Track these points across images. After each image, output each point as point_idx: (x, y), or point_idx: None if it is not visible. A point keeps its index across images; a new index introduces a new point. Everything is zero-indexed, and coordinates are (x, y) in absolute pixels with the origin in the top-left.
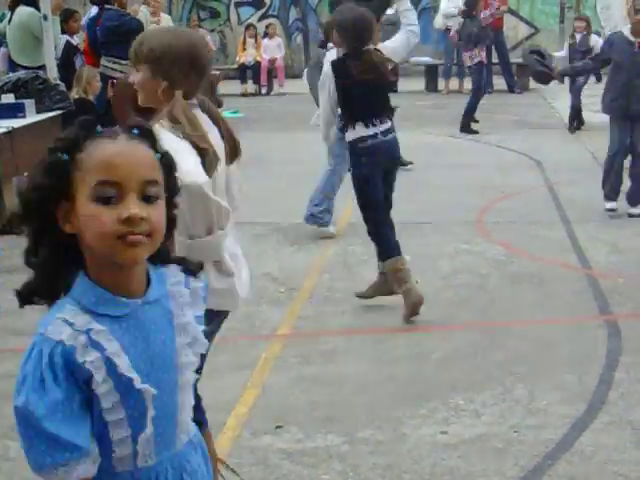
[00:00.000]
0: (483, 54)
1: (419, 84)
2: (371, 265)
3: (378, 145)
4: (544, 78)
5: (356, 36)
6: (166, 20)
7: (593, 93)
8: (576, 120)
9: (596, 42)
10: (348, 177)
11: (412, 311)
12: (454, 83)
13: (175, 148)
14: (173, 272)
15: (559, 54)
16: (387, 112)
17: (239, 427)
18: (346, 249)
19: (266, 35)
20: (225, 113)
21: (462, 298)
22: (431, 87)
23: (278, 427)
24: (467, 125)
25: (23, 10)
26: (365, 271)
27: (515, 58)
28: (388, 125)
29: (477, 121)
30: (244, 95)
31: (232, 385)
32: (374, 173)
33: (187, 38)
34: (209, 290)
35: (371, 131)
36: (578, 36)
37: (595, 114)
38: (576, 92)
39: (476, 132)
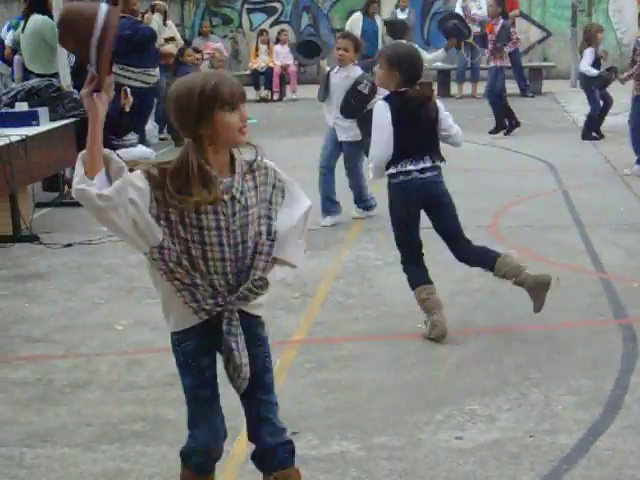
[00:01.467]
0: (501, 58)
1: None
2: (385, 270)
3: (411, 182)
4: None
5: (412, 71)
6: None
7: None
8: (594, 131)
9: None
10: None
11: (434, 339)
12: (467, 87)
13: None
14: None
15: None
16: (430, 149)
17: None
18: (360, 254)
19: (278, 41)
20: None
21: (477, 303)
22: (444, 91)
23: (294, 433)
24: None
25: (37, 18)
26: (379, 276)
27: (527, 62)
28: (428, 164)
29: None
30: (263, 100)
31: None
32: (406, 211)
33: None
34: None
35: (406, 168)
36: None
37: (608, 117)
38: (597, 100)
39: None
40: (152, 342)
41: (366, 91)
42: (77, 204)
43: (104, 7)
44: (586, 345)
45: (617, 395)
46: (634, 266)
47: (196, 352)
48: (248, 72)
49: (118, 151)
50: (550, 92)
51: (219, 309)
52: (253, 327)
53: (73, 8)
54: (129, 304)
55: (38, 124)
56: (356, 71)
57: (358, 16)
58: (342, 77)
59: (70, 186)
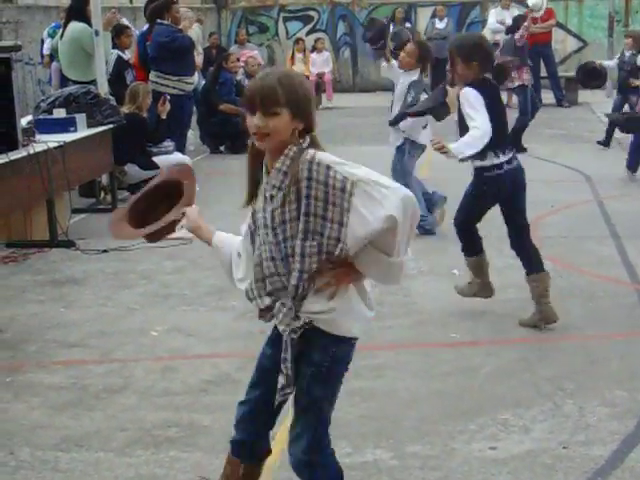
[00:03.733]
0: (525, 76)
1: None
2: (419, 279)
3: (503, 175)
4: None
5: (487, 57)
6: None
7: None
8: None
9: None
10: None
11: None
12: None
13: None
14: None
15: (608, 63)
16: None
17: (286, 440)
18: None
19: (314, 49)
20: None
21: (511, 313)
22: None
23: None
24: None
25: (75, 26)
26: (414, 285)
27: (563, 72)
28: (511, 154)
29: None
30: None
31: None
32: (488, 203)
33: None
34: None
35: (499, 160)
36: (627, 53)
37: None
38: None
39: (525, 150)
40: (187, 349)
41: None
42: (113, 210)
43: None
44: (621, 356)
45: None
46: None
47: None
48: None
49: (155, 158)
50: (586, 102)
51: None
52: (315, 341)
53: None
54: (164, 310)
55: (75, 130)
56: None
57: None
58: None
59: (106, 192)
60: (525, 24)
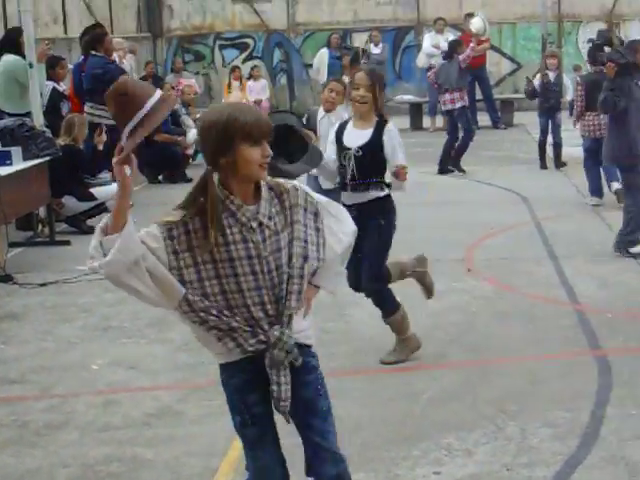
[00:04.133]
0: (466, 97)
1: (404, 122)
2: (360, 305)
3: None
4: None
5: None
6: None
7: (569, 127)
8: (557, 159)
9: (566, 81)
10: None
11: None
12: (440, 120)
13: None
14: None
15: (536, 82)
16: None
17: (232, 472)
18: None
19: (251, 77)
20: None
21: (452, 337)
22: (416, 125)
23: None
24: (457, 164)
25: (8, 58)
26: (355, 312)
27: (498, 94)
28: None
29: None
30: None
31: (225, 430)
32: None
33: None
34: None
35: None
36: (551, 74)
37: (576, 148)
38: (557, 129)
39: (464, 171)
40: (128, 382)
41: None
42: (50, 243)
43: (159, 93)
44: (562, 377)
45: (593, 427)
46: (608, 296)
47: (243, 388)
48: None
49: (92, 189)
50: (522, 123)
51: (263, 346)
52: (303, 356)
53: (136, 82)
54: (104, 343)
55: (11, 164)
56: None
57: (324, 51)
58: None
59: (44, 225)
60: (472, 45)
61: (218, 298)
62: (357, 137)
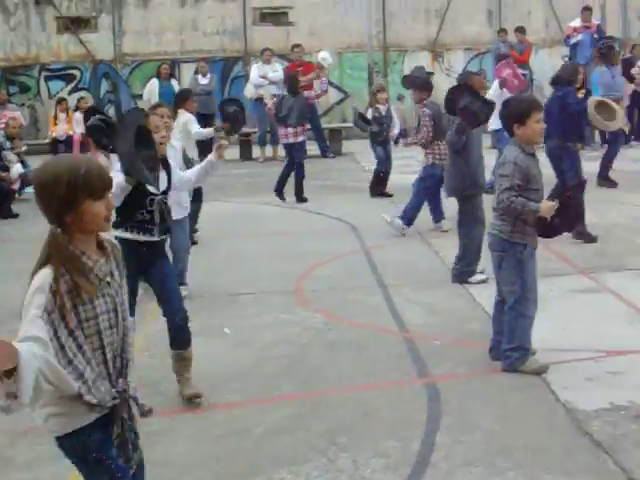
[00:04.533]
0: (305, 131)
1: (234, 153)
2: (196, 342)
3: None
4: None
5: None
6: None
7: (398, 155)
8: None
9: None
10: None
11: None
12: (269, 150)
13: None
14: None
15: (368, 115)
16: None
17: None
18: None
19: (77, 109)
20: None
21: (283, 369)
22: (245, 155)
23: None
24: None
25: None
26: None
27: (326, 124)
28: None
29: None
30: None
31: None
32: None
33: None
34: None
35: None
36: (382, 107)
37: (402, 175)
38: (387, 159)
39: (306, 200)
40: None
41: None
42: None
43: None
44: (393, 406)
45: (424, 454)
46: (435, 323)
47: (103, 445)
48: (48, 140)
49: None
50: (350, 152)
51: (116, 400)
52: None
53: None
54: None
55: None
56: None
57: (154, 81)
58: None
59: None
60: (323, 82)
61: (76, 362)
62: None
